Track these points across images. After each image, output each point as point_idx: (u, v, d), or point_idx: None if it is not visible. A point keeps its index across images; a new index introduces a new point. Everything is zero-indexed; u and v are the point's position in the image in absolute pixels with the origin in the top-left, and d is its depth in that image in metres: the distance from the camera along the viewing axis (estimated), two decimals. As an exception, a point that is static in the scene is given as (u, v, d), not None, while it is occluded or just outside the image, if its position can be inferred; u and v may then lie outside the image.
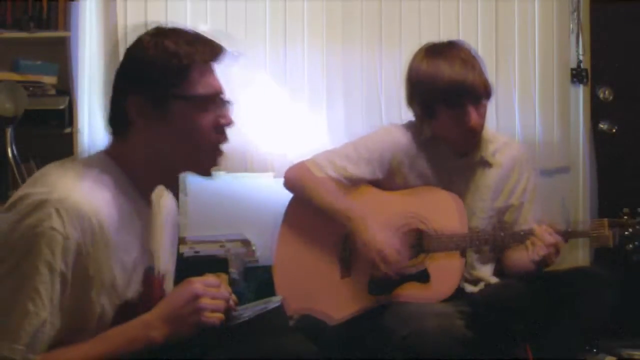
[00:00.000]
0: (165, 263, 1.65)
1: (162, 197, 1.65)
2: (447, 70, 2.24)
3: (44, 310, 1.34)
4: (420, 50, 2.36)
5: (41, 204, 1.35)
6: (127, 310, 1.47)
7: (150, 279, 1.56)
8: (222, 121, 1.53)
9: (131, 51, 1.52)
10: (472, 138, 2.34)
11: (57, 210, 1.35)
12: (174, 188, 1.73)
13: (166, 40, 1.49)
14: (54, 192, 1.37)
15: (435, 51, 2.32)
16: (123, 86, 1.51)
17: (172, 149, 1.51)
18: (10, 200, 1.41)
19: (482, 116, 2.29)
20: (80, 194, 1.39)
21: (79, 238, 1.37)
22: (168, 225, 1.67)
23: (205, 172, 1.56)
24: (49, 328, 1.36)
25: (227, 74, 1.57)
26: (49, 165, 1.49)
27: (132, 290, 1.50)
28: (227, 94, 1.55)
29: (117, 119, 1.53)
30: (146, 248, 1.55)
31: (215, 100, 1.52)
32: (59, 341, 1.38)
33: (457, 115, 2.26)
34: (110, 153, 1.53)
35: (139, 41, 1.51)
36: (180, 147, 1.51)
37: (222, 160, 1.56)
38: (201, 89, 1.49)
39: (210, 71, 1.52)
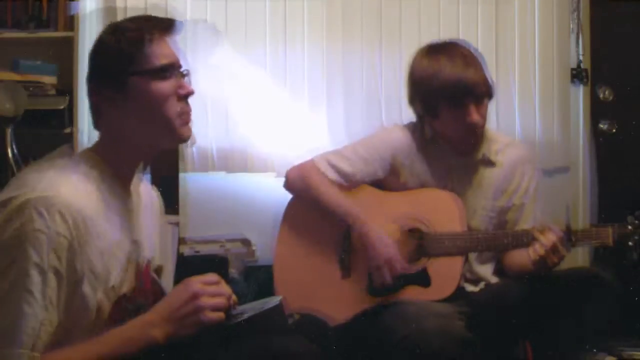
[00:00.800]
0: (152, 250, 1.67)
1: (139, 186, 1.66)
2: (448, 68, 2.24)
3: (41, 310, 1.35)
4: (421, 50, 2.37)
5: (22, 207, 1.36)
6: (122, 302, 1.48)
7: (140, 268, 1.58)
8: (181, 91, 1.55)
9: (92, 48, 1.57)
10: (473, 136, 2.34)
11: (38, 210, 1.36)
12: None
13: (118, 25, 1.56)
14: (33, 193, 1.38)
15: (436, 50, 2.32)
16: (88, 80, 1.56)
17: (139, 125, 1.53)
18: None
19: (483, 115, 2.29)
20: (59, 190, 1.40)
21: (63, 235, 1.38)
22: (148, 212, 1.68)
23: (178, 139, 1.58)
24: (48, 326, 1.36)
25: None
26: (27, 167, 1.51)
27: (126, 283, 1.51)
28: (184, 65, 1.58)
29: (92, 113, 1.57)
30: (133, 239, 1.57)
31: (171, 71, 1.54)
32: (58, 340, 1.39)
33: (458, 114, 2.26)
34: (94, 149, 1.56)
35: (98, 38, 1.57)
36: (146, 121, 1.53)
37: (190, 130, 1.58)
38: (155, 61, 1.52)
39: (163, 43, 1.55)
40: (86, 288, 1.42)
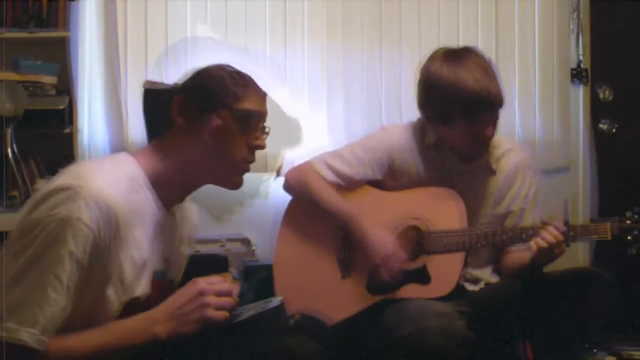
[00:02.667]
0: (178, 272, 1.70)
1: (187, 211, 1.71)
2: (470, 81, 2.19)
3: (64, 298, 1.37)
4: (437, 56, 2.31)
5: (72, 195, 1.38)
6: (134, 310, 1.49)
7: (161, 283, 1.59)
8: (256, 142, 1.60)
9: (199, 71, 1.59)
10: (483, 146, 2.33)
11: (87, 203, 1.38)
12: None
13: (225, 65, 1.60)
14: (86, 185, 1.40)
15: (454, 57, 2.27)
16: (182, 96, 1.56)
17: (203, 159, 1.56)
18: (43, 190, 1.43)
19: (495, 125, 2.28)
20: (113, 189, 1.43)
21: (103, 232, 1.40)
22: (186, 240, 1.72)
23: (232, 185, 1.61)
24: (65, 313, 1.38)
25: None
26: (85, 160, 1.53)
27: (141, 290, 1.53)
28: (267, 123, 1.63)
29: (156, 121, 1.58)
30: (163, 255, 1.59)
31: (258, 121, 1.60)
32: (70, 328, 1.41)
33: (474, 125, 2.24)
34: (138, 158, 1.56)
35: (211, 69, 1.59)
36: (212, 157, 1.56)
37: (242, 180, 1.62)
38: (247, 105, 1.57)
39: (260, 94, 1.62)
40: (110, 291, 1.45)
